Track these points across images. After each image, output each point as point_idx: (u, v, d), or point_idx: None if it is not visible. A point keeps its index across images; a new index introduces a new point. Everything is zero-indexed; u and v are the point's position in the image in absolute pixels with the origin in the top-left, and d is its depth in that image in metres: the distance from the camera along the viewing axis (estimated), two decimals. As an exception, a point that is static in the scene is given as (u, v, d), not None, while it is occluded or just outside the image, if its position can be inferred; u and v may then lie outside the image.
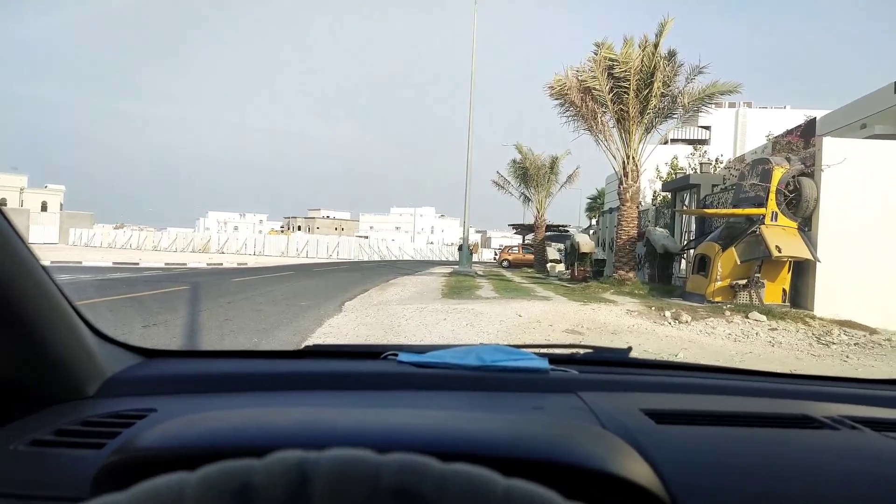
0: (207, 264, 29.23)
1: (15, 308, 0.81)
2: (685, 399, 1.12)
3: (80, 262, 25.44)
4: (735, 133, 35.50)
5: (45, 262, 0.88)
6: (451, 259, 56.41)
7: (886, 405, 1.12)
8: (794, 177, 11.71)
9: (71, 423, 0.85)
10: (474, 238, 73.20)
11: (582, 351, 1.41)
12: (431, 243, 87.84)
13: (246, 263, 32.93)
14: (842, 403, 1.11)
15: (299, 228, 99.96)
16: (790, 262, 11.59)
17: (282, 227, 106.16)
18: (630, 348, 1.47)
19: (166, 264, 27.16)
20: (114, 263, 25.74)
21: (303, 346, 1.57)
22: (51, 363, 0.91)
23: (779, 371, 1.37)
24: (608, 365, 1.35)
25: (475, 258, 33.20)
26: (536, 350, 1.32)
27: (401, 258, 63.98)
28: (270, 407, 0.98)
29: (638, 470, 0.66)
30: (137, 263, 25.95)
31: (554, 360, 1.26)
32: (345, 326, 8.58)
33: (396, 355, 1.26)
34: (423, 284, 17.39)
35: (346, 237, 73.89)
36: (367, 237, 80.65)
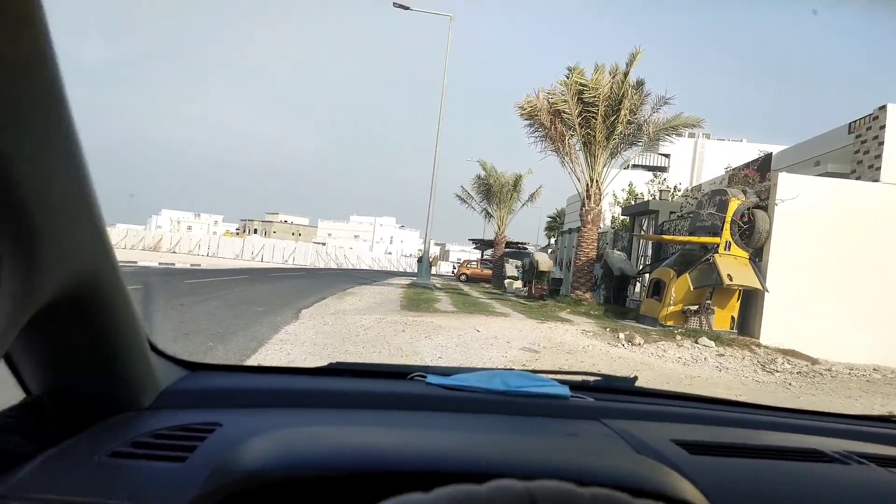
0: (159, 263, 28.46)
1: (103, 319, 0.82)
2: (703, 430, 1.16)
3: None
4: (693, 162, 36.47)
5: None
6: (409, 270, 56.29)
7: (883, 442, 1.20)
8: (748, 209, 12.10)
9: (144, 436, 0.88)
10: (433, 251, 73.27)
11: (591, 378, 1.47)
12: (390, 253, 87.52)
13: (199, 265, 32.19)
14: (842, 439, 1.18)
15: (255, 232, 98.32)
16: (740, 290, 11.95)
17: (237, 229, 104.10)
18: (636, 377, 1.54)
19: (116, 261, 26.27)
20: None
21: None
22: (120, 374, 0.93)
23: (773, 405, 1.46)
24: (618, 393, 1.42)
25: (433, 270, 33.27)
26: (553, 376, 1.38)
27: (358, 267, 63.56)
28: (320, 423, 1.04)
29: (696, 496, 0.69)
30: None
31: (571, 386, 1.32)
32: (302, 334, 8.47)
33: (424, 376, 1.32)
34: (381, 295, 17.28)
35: (302, 242, 73.00)
36: (324, 244, 79.83)
